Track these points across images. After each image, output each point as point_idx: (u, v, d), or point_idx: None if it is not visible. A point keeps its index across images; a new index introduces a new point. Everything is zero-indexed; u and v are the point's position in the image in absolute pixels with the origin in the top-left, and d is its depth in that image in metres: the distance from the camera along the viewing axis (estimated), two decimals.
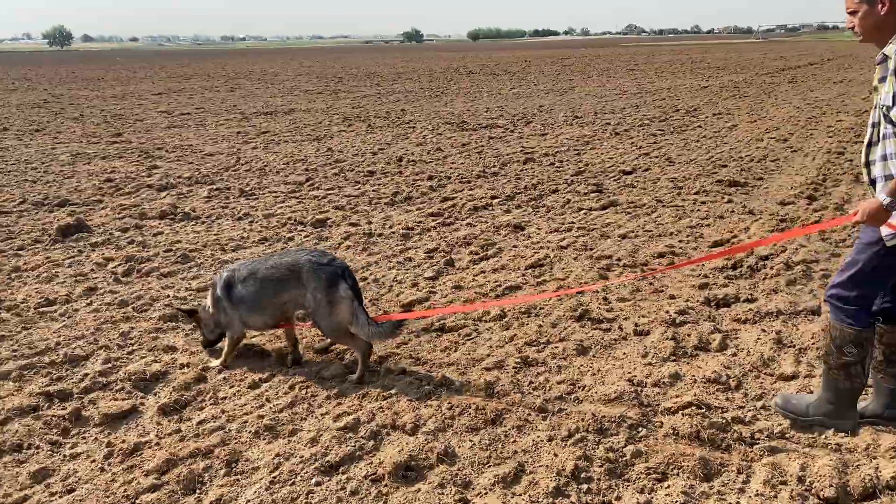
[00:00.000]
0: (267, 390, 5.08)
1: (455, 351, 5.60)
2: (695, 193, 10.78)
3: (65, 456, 4.43)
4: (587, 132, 17.95)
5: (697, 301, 6.39)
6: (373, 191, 11.85)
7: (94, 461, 4.35)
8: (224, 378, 5.36)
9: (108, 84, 40.04)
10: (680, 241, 8.26)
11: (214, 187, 12.21)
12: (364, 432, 4.43)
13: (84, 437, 4.66)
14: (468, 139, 17.33)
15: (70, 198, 11.68)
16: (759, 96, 25.65)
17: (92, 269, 8.08)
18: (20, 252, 8.78)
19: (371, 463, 4.12)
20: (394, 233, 9.23)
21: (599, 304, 6.45)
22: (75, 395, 5.19)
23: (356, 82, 39.15)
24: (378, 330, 5.01)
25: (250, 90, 34.29)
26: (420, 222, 9.76)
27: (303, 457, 4.19)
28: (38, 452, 4.47)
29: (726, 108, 22.35)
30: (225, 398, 5.02)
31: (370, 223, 9.84)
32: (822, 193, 10.44)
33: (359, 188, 12.12)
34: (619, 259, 7.68)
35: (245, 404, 4.90)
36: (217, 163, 14.79)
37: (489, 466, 4.07)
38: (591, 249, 8.10)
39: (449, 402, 4.72)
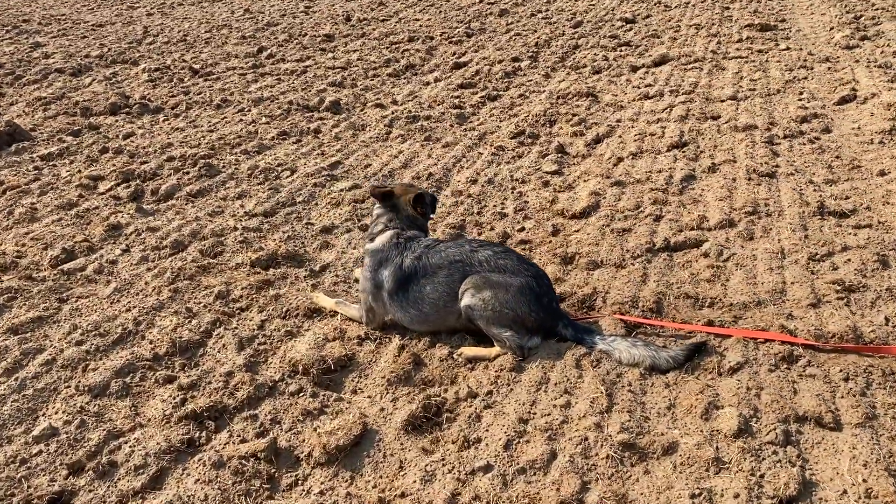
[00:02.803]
0: (546, 370, 3.48)
1: (728, 279, 4.17)
2: (738, 41, 9.52)
3: None
4: None
5: None
6: (357, 60, 9.76)
7: None
8: (450, 355, 3.69)
9: None
10: (802, 101, 7.03)
11: (150, 68, 9.65)
12: (770, 436, 3.00)
13: (326, 494, 2.95)
14: None
15: None
16: None
17: (81, 195, 5.87)
18: None
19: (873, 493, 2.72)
20: (443, 114, 7.43)
21: (814, 189, 5.17)
22: (238, 413, 3.40)
23: None
24: (671, 357, 3.45)
25: None
26: (459, 97, 7.98)
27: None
28: None
29: None
30: (492, 395, 3.39)
31: (396, 102, 7.94)
32: (875, 34, 9.42)
33: (334, 58, 9.98)
34: (766, 128, 6.35)
35: (536, 402, 3.31)
36: (119, 35, 11.97)
37: None
38: (718, 117, 6.73)
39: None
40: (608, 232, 4.78)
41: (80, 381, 3.63)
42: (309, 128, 7.18)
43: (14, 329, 4.07)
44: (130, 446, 3.22)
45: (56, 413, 3.46)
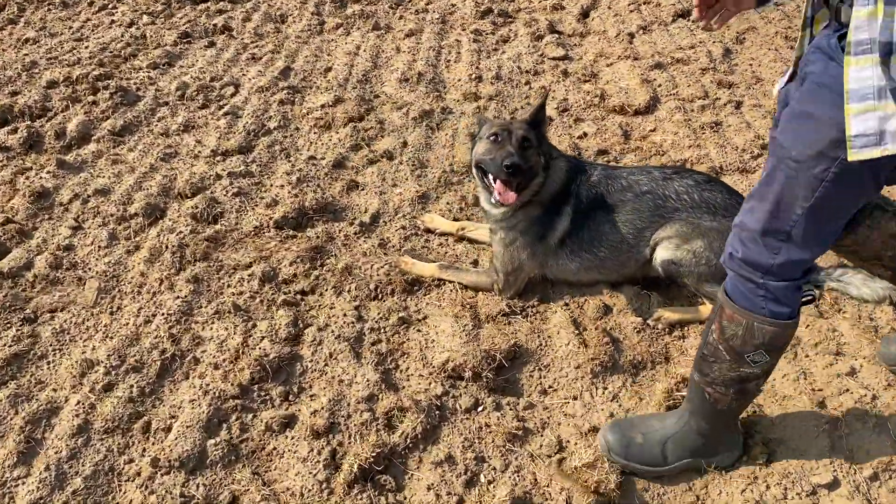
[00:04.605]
0: None
1: None
2: None
3: None
4: None
5: None
6: None
7: None
8: (644, 323, 2.87)
9: None
10: None
11: None
12: None
13: None
14: None
15: None
16: None
17: None
18: None
19: None
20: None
21: None
22: (414, 454, 2.45)
23: None
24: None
25: None
26: None
27: None
28: None
29: None
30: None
31: None
32: None
33: None
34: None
35: (808, 374, 2.61)
36: None
37: None
38: None
39: None
40: (697, 128, 4.03)
41: (150, 452, 2.43)
42: (215, 25, 5.66)
43: None
44: None
45: None
